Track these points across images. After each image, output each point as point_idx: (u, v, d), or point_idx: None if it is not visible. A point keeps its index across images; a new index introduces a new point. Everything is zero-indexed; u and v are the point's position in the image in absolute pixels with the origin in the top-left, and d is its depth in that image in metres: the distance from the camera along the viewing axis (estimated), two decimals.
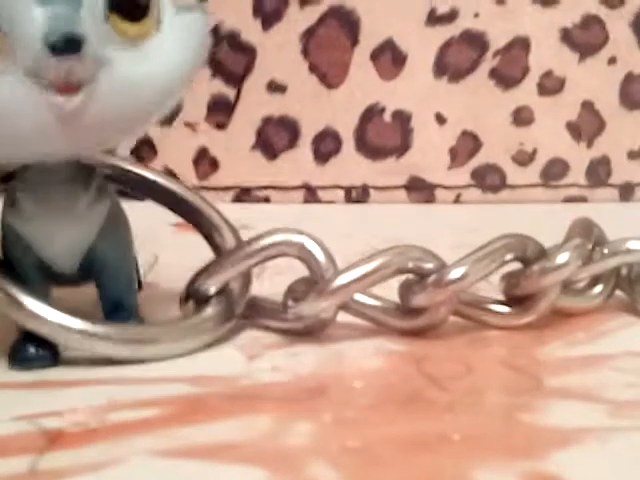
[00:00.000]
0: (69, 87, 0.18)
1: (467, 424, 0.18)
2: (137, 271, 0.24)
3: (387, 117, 0.37)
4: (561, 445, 0.17)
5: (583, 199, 0.38)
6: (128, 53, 0.19)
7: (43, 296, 0.21)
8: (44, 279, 0.21)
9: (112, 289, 0.22)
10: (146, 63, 0.19)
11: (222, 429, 0.18)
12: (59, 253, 0.21)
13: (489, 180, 0.38)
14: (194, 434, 0.18)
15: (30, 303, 0.20)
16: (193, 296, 0.22)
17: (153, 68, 0.19)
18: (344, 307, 0.22)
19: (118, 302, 0.22)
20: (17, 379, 0.20)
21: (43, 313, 0.20)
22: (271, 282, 0.23)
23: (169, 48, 0.20)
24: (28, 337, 0.20)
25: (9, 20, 0.17)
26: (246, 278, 0.23)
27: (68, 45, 0.17)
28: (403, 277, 0.22)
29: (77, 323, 0.20)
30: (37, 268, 0.21)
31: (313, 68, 0.36)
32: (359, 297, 0.22)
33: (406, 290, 0.22)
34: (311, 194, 0.37)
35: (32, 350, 0.21)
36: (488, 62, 0.37)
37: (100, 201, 0.21)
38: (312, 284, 0.22)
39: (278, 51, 0.36)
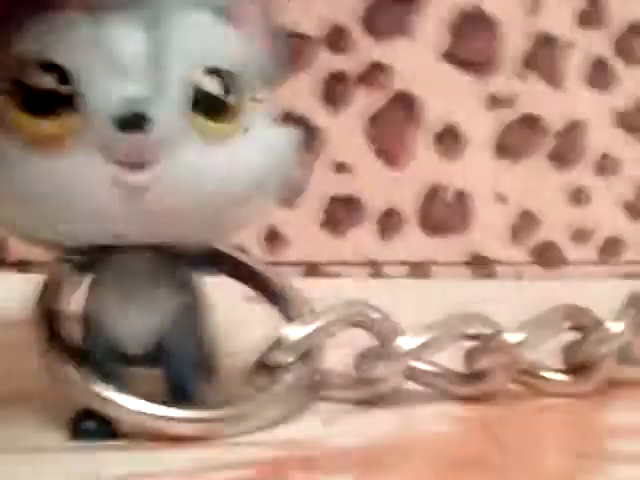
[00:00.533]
0: (134, 164, 0.19)
1: None
2: (213, 361, 0.24)
3: (449, 196, 0.38)
4: None
5: None
6: (204, 147, 0.19)
7: (114, 376, 0.22)
8: (115, 360, 0.22)
9: (177, 376, 0.22)
10: (222, 161, 0.20)
11: None
12: (130, 336, 0.22)
13: (548, 257, 0.39)
14: None
15: (98, 387, 0.21)
16: (266, 368, 0.23)
17: (228, 167, 0.20)
18: (409, 374, 0.24)
19: (182, 390, 0.22)
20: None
21: (112, 396, 0.21)
22: (336, 354, 0.25)
23: (250, 154, 0.20)
24: (88, 411, 0.21)
25: (89, 99, 0.19)
26: (318, 350, 0.24)
27: (134, 121, 0.18)
28: (464, 344, 0.24)
29: (149, 408, 0.21)
30: (109, 349, 0.22)
31: (378, 150, 0.38)
32: (421, 364, 0.24)
33: (468, 356, 0.24)
34: (376, 270, 0.38)
35: (91, 425, 0.22)
36: (546, 144, 0.38)
37: (179, 293, 0.22)
38: (380, 351, 0.23)
39: (344, 134, 0.38)
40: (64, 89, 0.19)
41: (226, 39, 0.21)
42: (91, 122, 0.19)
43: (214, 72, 0.20)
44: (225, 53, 0.20)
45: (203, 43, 0.20)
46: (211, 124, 0.20)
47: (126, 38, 0.19)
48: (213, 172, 0.20)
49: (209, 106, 0.20)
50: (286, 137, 0.21)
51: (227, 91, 0.20)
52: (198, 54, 0.20)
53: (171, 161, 0.19)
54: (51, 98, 0.19)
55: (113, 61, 0.19)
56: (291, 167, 0.21)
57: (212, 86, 0.20)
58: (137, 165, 0.19)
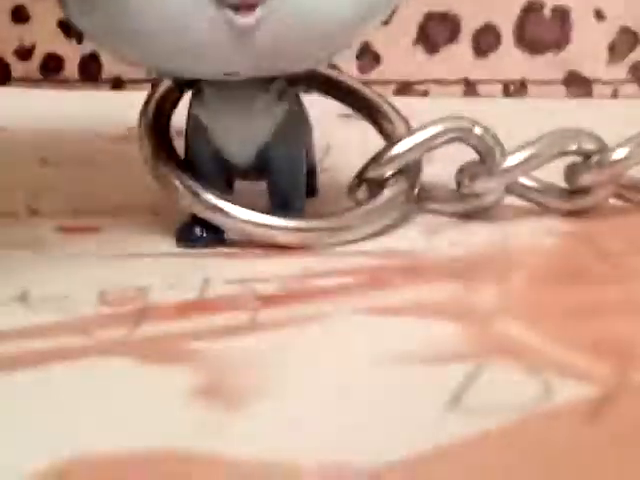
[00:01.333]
0: (243, 5, 0.19)
1: (638, 293, 0.20)
2: (313, 176, 0.26)
3: (547, 12, 0.38)
4: None
5: None
6: None
7: (219, 187, 0.22)
8: (221, 170, 0.23)
9: (281, 188, 0.23)
10: None
11: (413, 293, 0.20)
12: (235, 146, 0.22)
13: None
14: (388, 297, 0.20)
15: (206, 195, 0.22)
16: (367, 182, 0.24)
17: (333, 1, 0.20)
18: (510, 189, 0.24)
19: (285, 201, 0.23)
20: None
21: (218, 204, 0.22)
22: (436, 169, 0.25)
23: None
24: (195, 220, 0.22)
25: None
26: (418, 164, 0.24)
27: None
28: (566, 159, 0.24)
29: (248, 214, 0.22)
30: (214, 159, 0.22)
31: None
32: (524, 179, 0.24)
33: (570, 171, 0.24)
34: (470, 88, 0.38)
35: (198, 231, 0.22)
36: None
37: (278, 103, 0.22)
38: (481, 166, 0.23)
39: None
40: None
41: None
42: None
43: None
44: None
45: None
46: None
47: None
48: (323, 4, 0.20)
49: None
50: None
51: None
52: None
53: (284, 2, 0.19)
54: None
55: None
56: None
57: None
58: (247, 6, 0.19)
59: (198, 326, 0.18)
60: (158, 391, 0.16)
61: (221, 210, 0.22)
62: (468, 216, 0.24)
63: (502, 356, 0.17)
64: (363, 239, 0.23)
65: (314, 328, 0.18)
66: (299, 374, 0.17)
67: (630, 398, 0.15)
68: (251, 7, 0.19)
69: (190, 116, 0.23)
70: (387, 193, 0.23)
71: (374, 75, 0.38)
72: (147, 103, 0.24)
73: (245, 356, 0.17)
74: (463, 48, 0.38)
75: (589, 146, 0.23)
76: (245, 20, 0.19)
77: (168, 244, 0.23)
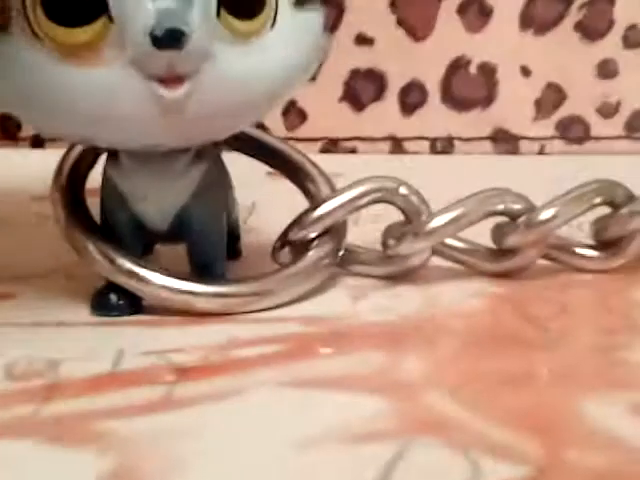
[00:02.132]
0: (171, 79, 0.18)
1: (567, 361, 0.19)
2: (236, 238, 0.25)
3: (473, 69, 0.38)
4: None
5: None
6: (237, 48, 0.19)
7: (136, 252, 0.22)
8: (137, 235, 0.22)
9: (201, 252, 0.22)
10: (255, 59, 0.19)
11: (338, 364, 0.19)
12: (152, 209, 0.21)
13: (573, 132, 0.38)
14: (312, 368, 0.19)
15: (122, 260, 0.21)
16: (290, 244, 0.23)
17: (262, 65, 0.19)
18: (437, 250, 0.23)
19: (205, 265, 0.22)
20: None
21: (134, 270, 0.21)
22: (361, 231, 0.24)
23: (280, 46, 0.20)
24: (111, 286, 0.21)
25: (120, 11, 0.18)
26: (342, 226, 0.23)
27: (171, 39, 0.18)
28: (493, 220, 0.23)
29: (166, 280, 0.21)
30: (131, 223, 0.21)
31: (400, 22, 0.37)
32: (451, 240, 0.23)
33: (498, 232, 0.23)
34: (397, 145, 0.38)
35: (114, 299, 0.21)
36: (573, 15, 0.37)
37: (197, 164, 0.21)
38: (407, 227, 0.23)
39: (366, 5, 0.37)
40: None
41: None
42: (125, 33, 0.18)
43: None
44: None
45: None
46: (241, 23, 0.19)
47: None
48: (249, 73, 0.19)
49: (238, 5, 0.19)
50: (312, 21, 0.21)
51: None
52: None
53: (207, 70, 0.19)
54: (83, 6, 0.18)
55: None
56: (321, 49, 0.21)
57: None
58: (175, 80, 0.18)
59: (110, 403, 0.17)
60: (65, 477, 0.15)
61: (137, 276, 0.21)
62: (394, 278, 0.23)
63: (429, 433, 0.16)
64: (287, 304, 0.22)
65: (234, 403, 0.17)
66: (216, 455, 0.16)
67: (561, 478, 0.15)
68: (179, 81, 0.18)
69: (105, 178, 0.22)
70: (311, 255, 0.23)
71: (300, 132, 0.38)
72: (62, 164, 0.23)
73: (158, 436, 0.16)
74: (389, 105, 0.38)
75: (516, 206, 0.23)
76: (173, 94, 0.18)
77: (83, 312, 0.22)
